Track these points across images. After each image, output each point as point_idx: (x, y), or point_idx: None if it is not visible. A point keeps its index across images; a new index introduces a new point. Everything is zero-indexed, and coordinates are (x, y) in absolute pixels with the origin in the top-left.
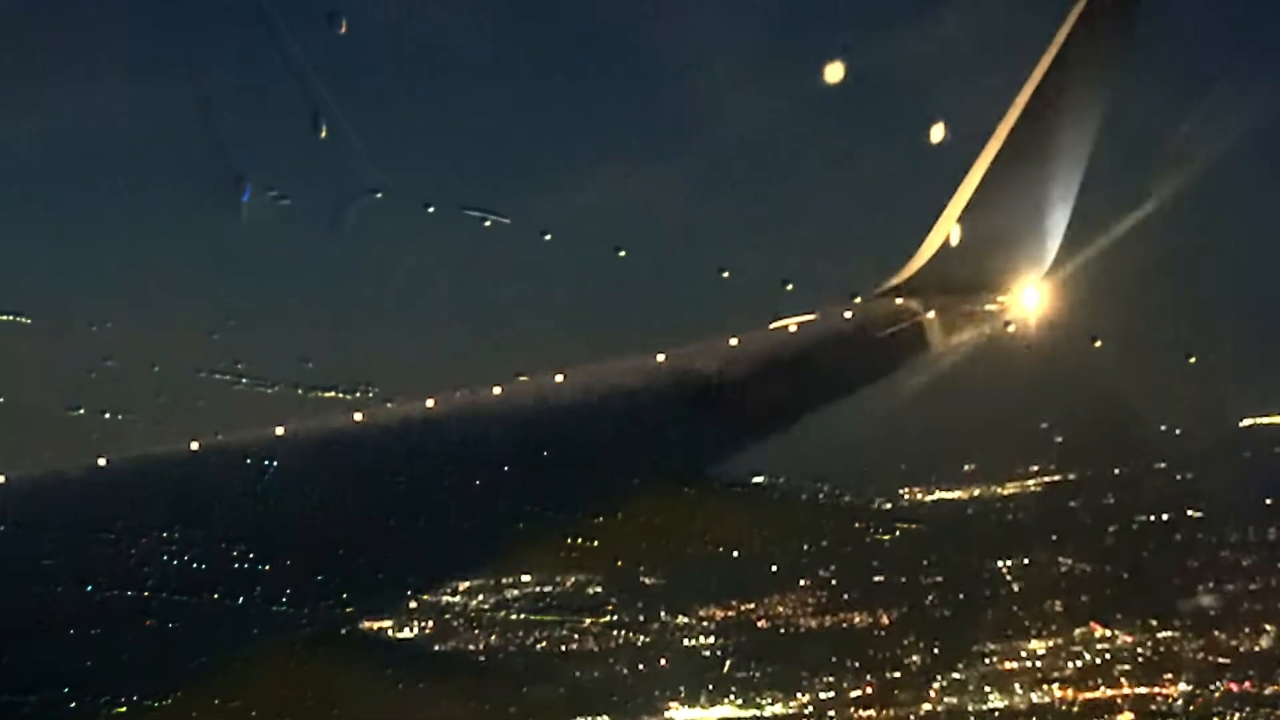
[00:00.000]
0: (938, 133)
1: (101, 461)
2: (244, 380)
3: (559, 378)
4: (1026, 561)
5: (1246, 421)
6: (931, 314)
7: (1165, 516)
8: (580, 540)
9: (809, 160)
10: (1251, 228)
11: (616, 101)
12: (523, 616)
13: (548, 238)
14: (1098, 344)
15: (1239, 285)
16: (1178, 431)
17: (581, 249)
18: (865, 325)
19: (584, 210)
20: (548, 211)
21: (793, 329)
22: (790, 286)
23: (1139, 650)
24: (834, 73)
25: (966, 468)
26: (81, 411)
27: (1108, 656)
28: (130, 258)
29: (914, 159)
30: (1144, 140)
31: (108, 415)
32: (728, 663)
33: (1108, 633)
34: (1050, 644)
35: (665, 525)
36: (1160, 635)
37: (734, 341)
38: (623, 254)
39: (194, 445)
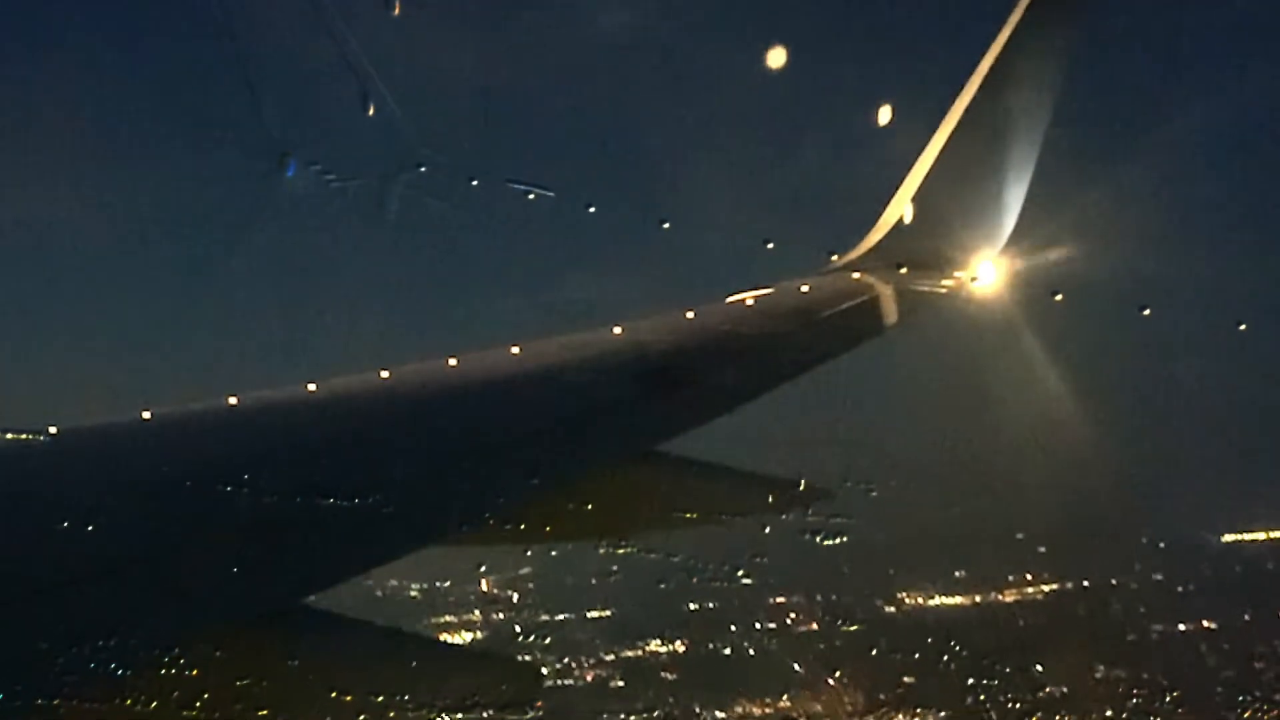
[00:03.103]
0: (896, 107)
1: (54, 430)
2: None
3: (514, 350)
4: (1056, 665)
5: (1229, 537)
6: (888, 288)
7: (1182, 627)
8: (532, 522)
9: (766, 135)
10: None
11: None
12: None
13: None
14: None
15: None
16: (1161, 544)
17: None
18: (822, 299)
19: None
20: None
21: (749, 302)
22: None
23: None
24: (783, 54)
25: (958, 574)
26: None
27: None
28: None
29: (871, 134)
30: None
31: None
32: None
33: None
34: None
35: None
36: None
37: (690, 315)
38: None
39: (145, 415)
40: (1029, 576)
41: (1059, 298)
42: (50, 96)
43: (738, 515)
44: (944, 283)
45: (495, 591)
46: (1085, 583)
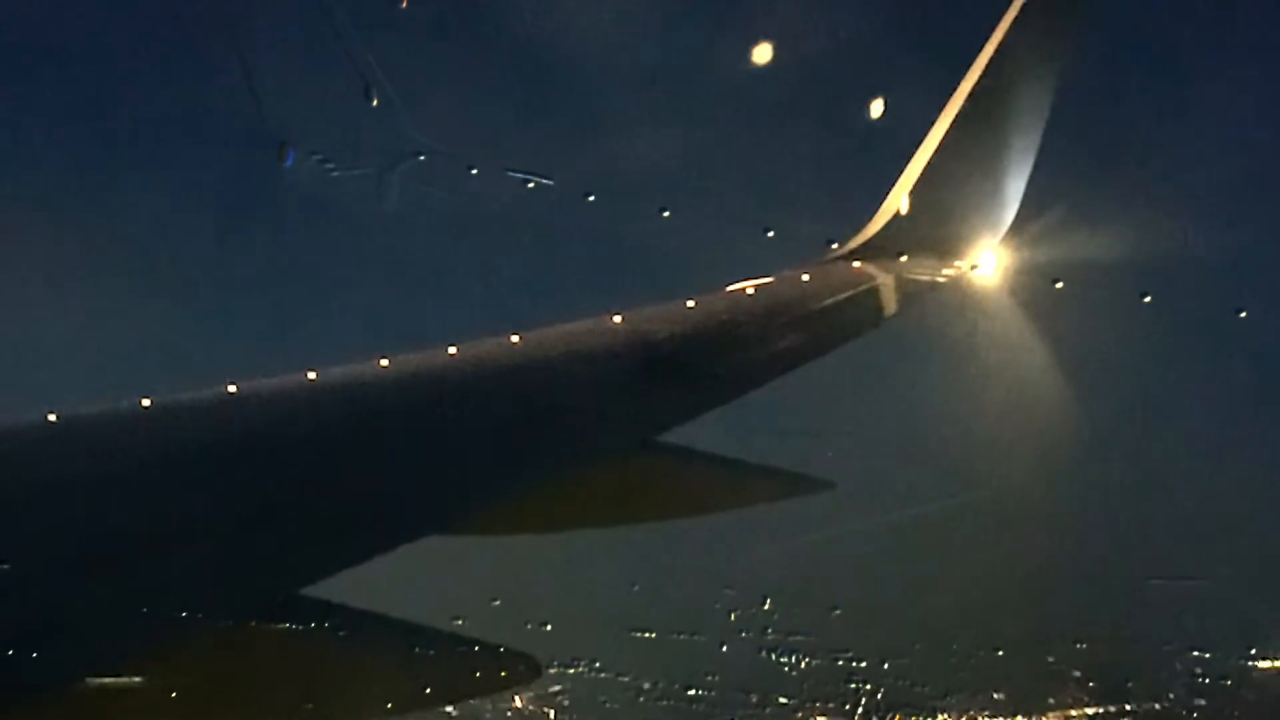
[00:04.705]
0: (898, 95)
1: (52, 417)
2: None
3: (514, 339)
4: None
5: (1264, 664)
6: (889, 277)
7: None
8: (530, 512)
9: (766, 123)
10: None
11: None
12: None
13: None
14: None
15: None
16: (1197, 670)
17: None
18: (823, 289)
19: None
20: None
21: (749, 292)
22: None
23: None
24: (787, 41)
25: (997, 695)
26: None
27: None
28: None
29: (872, 123)
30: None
31: None
32: None
33: None
34: None
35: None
36: None
37: (690, 304)
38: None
39: (144, 402)
40: (1067, 699)
41: (1060, 285)
42: (50, 83)
43: (737, 507)
44: (945, 272)
45: (530, 709)
46: (1128, 705)
